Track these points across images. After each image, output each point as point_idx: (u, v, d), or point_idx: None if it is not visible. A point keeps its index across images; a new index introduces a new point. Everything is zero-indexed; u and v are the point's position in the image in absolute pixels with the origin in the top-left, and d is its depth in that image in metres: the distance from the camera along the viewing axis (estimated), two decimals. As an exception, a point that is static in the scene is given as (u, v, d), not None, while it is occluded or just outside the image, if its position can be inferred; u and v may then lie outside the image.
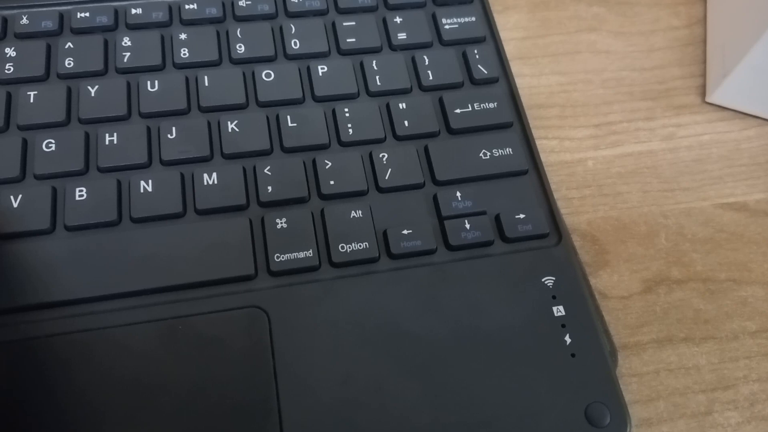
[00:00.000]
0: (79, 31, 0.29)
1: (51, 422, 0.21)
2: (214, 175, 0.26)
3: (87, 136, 0.26)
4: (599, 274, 0.27)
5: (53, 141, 0.26)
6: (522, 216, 0.26)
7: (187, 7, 0.30)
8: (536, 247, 0.25)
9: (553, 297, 0.24)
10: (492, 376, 0.23)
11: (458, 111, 0.28)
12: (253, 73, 0.28)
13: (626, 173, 0.29)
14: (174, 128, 0.27)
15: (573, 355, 0.23)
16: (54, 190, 0.25)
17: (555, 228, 0.26)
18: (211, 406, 0.22)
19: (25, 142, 0.26)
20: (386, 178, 0.26)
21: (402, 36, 0.30)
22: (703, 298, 0.27)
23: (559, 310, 0.24)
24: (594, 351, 0.23)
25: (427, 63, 0.29)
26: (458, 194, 0.26)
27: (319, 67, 0.29)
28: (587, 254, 0.27)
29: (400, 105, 0.28)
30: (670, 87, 0.32)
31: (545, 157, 0.29)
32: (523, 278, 0.25)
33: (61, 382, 0.22)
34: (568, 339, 0.23)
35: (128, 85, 0.28)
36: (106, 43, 0.29)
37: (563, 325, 0.24)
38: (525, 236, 0.25)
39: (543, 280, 0.25)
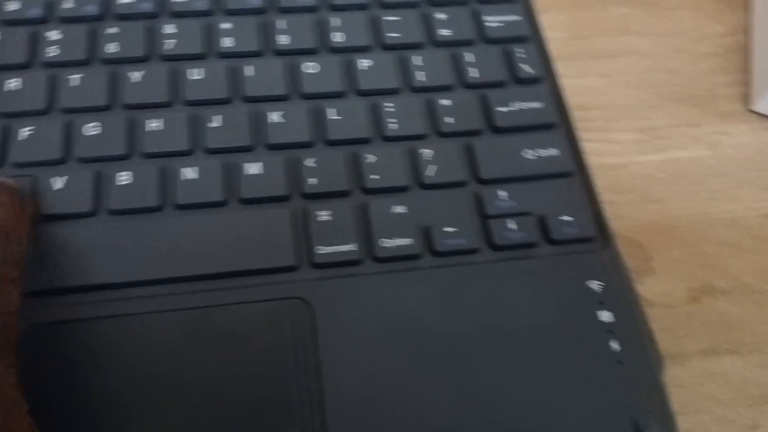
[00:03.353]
0: (123, 17, 0.29)
1: (83, 404, 0.21)
2: (258, 165, 0.25)
3: (130, 121, 0.26)
4: (644, 281, 0.26)
5: (96, 125, 0.26)
6: (568, 218, 0.25)
7: (231, -4, 0.30)
8: (582, 250, 0.25)
9: (600, 302, 0.24)
10: (536, 380, 0.22)
11: (502, 109, 0.28)
12: (296, 65, 0.28)
13: (671, 179, 0.29)
14: (217, 117, 0.26)
15: (620, 362, 0.23)
16: (97, 174, 0.25)
17: (601, 232, 0.25)
18: (252, 395, 0.21)
19: (67, 124, 0.26)
20: (429, 174, 0.26)
21: (445, 32, 0.30)
22: (749, 309, 0.26)
23: (605, 316, 0.23)
24: (641, 359, 0.23)
25: (470, 60, 0.29)
26: (502, 194, 0.26)
27: (362, 61, 0.29)
28: (632, 260, 0.27)
29: (443, 101, 0.28)
30: (714, 94, 0.32)
31: (589, 160, 0.28)
32: (568, 282, 0.24)
33: (97, 365, 0.22)
34: (615, 345, 0.23)
35: (171, 72, 0.27)
36: (149, 29, 0.28)
37: (610, 331, 0.23)
38: (571, 239, 0.25)
39: (589, 284, 0.24)
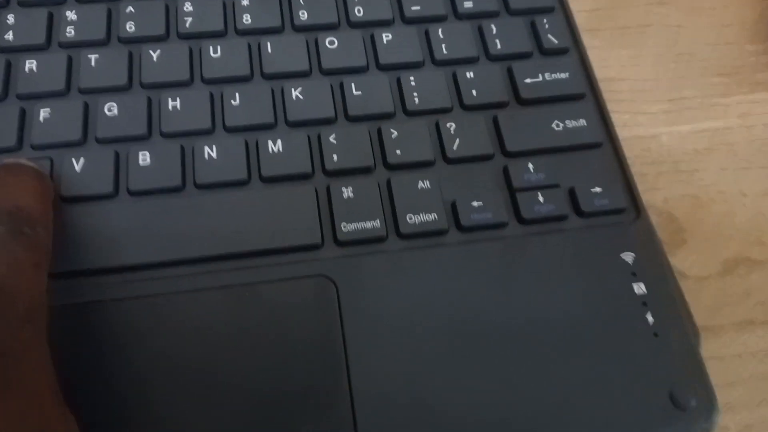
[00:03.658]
0: (140, -4, 0.28)
1: (106, 388, 0.21)
2: (279, 142, 0.25)
3: (149, 100, 0.26)
4: (677, 252, 0.26)
5: (115, 105, 0.26)
6: (598, 190, 0.25)
7: (248, -28, 0.29)
8: (613, 222, 0.24)
9: (633, 274, 0.23)
10: (571, 354, 0.22)
11: (528, 81, 0.27)
12: (316, 41, 0.28)
13: (702, 150, 0.28)
14: (237, 94, 0.26)
15: (656, 335, 0.22)
16: (117, 155, 0.25)
17: (633, 203, 0.25)
18: (278, 372, 0.21)
19: (86, 105, 0.26)
20: (454, 148, 0.26)
21: (468, 4, 0.29)
22: (785, 280, 0.25)
23: (639, 288, 0.23)
24: (678, 330, 0.22)
25: (494, 32, 0.28)
26: (530, 166, 0.25)
27: (384, 34, 0.28)
28: (664, 232, 0.26)
29: (467, 74, 0.27)
30: (743, 63, 0.31)
31: (618, 132, 0.27)
32: (600, 254, 0.24)
33: (122, 346, 0.22)
34: (650, 318, 0.22)
35: (190, 50, 0.27)
36: (167, 7, 0.28)
37: (644, 303, 0.23)
38: (601, 211, 0.24)
39: (622, 256, 0.23)
